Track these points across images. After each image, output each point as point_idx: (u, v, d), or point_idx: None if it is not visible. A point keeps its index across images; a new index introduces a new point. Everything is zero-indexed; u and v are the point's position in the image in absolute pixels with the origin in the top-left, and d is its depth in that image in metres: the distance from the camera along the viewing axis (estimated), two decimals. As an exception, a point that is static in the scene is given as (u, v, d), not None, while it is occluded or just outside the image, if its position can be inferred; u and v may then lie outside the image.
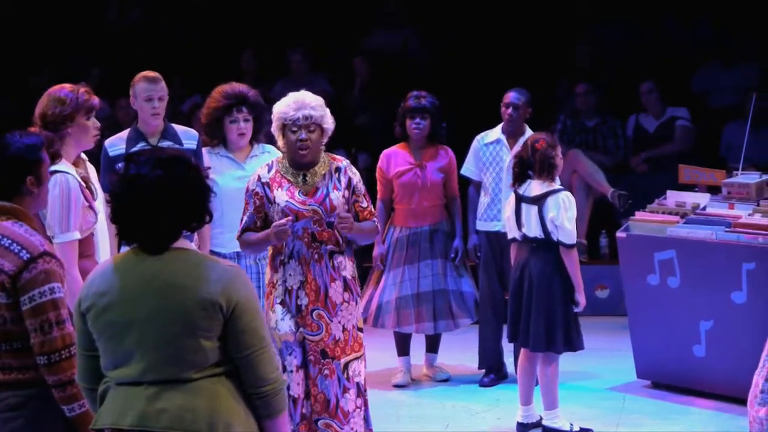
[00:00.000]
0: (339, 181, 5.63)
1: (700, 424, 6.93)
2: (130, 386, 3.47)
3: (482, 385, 7.76)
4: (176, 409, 3.42)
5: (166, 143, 6.26)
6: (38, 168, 4.09)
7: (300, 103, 5.57)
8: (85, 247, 5.23)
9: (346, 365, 5.61)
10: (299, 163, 5.60)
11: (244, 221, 5.66)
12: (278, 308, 5.59)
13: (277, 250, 5.61)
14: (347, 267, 5.64)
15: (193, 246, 3.62)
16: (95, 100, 5.50)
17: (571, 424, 6.68)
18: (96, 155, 6.33)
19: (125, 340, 3.47)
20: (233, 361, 3.50)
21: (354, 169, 5.71)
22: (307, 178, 5.60)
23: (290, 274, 5.57)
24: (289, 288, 5.57)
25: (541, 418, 6.72)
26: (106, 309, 3.49)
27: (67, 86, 5.48)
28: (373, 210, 5.75)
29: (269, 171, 5.66)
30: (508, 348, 7.66)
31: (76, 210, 5.12)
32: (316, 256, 5.56)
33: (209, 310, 3.44)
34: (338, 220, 5.49)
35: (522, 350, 6.73)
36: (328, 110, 5.65)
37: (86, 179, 5.51)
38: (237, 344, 3.48)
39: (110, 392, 3.52)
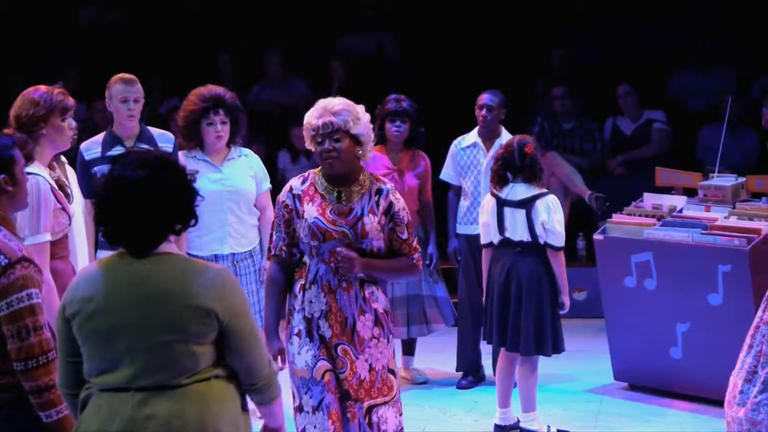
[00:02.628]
0: (377, 204, 4.94)
1: (677, 425, 6.95)
2: (116, 392, 3.45)
3: (460, 387, 7.76)
4: (165, 415, 3.41)
5: (142, 147, 6.24)
6: (11, 166, 4.06)
7: (321, 110, 4.95)
8: (59, 248, 5.22)
9: (369, 410, 4.92)
10: (331, 177, 4.96)
11: (273, 239, 5.04)
12: (295, 340, 4.95)
13: (298, 274, 5.00)
14: (379, 299, 4.98)
15: (178, 250, 3.61)
16: (70, 101, 5.48)
17: (549, 427, 6.70)
18: (73, 158, 6.31)
19: (113, 346, 3.45)
20: (226, 362, 3.52)
21: (398, 195, 5.03)
22: (342, 195, 4.95)
23: (310, 302, 4.92)
24: (308, 317, 4.92)
25: (519, 421, 6.73)
26: (93, 315, 3.47)
27: (42, 87, 5.48)
28: (415, 244, 5.02)
29: (303, 183, 5.02)
30: (485, 350, 7.66)
31: (47, 212, 5.10)
32: (344, 284, 4.90)
33: (203, 317, 3.44)
34: (340, 260, 4.84)
35: (502, 353, 6.73)
36: (362, 114, 4.98)
37: (61, 182, 5.49)
38: (231, 346, 3.51)
39: (93, 399, 3.49)
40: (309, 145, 4.99)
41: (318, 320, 4.90)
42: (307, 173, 5.08)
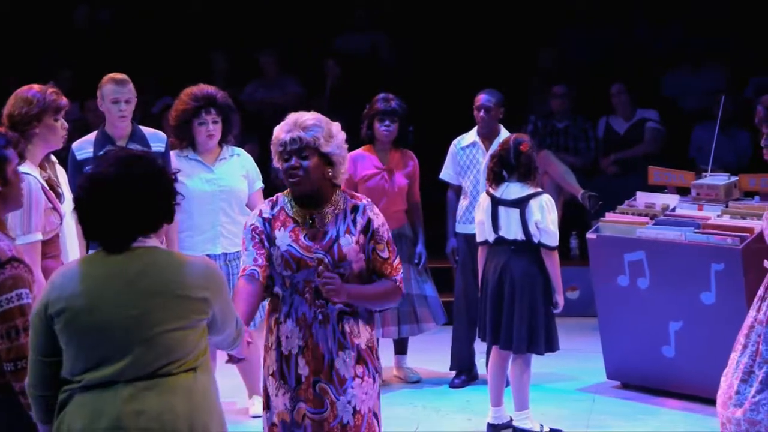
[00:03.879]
0: (354, 222, 4.52)
1: (669, 424, 6.96)
2: (102, 389, 3.46)
3: (453, 386, 7.77)
4: (155, 410, 3.44)
5: (133, 146, 6.25)
6: (3, 166, 4.06)
7: (291, 123, 4.51)
8: (50, 248, 5.22)
9: None
10: (300, 198, 4.55)
11: (243, 260, 4.56)
12: (271, 380, 4.56)
13: (273, 307, 4.58)
14: (361, 334, 4.53)
15: (160, 244, 3.64)
16: (63, 100, 5.51)
17: (541, 425, 6.70)
18: (65, 158, 6.31)
19: (104, 341, 3.46)
20: (210, 338, 3.65)
21: (377, 210, 4.60)
22: (315, 219, 4.53)
23: (286, 337, 4.49)
24: (286, 354, 4.51)
25: (512, 419, 6.73)
26: (81, 311, 3.48)
27: (36, 87, 5.51)
28: (396, 264, 4.58)
29: (273, 207, 4.59)
30: (479, 350, 7.66)
31: (38, 211, 5.11)
32: (320, 317, 4.48)
33: (199, 305, 3.53)
34: (322, 282, 4.41)
35: (494, 351, 6.73)
36: (336, 132, 4.54)
37: (52, 181, 5.50)
38: (215, 324, 3.64)
39: (76, 398, 3.49)
40: (276, 162, 4.59)
41: (296, 357, 4.50)
42: (275, 197, 4.66)
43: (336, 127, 4.56)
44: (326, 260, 4.45)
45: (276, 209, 4.59)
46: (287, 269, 4.49)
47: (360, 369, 4.51)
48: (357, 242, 4.50)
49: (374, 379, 4.57)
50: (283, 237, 4.50)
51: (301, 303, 4.48)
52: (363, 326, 4.55)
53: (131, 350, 3.45)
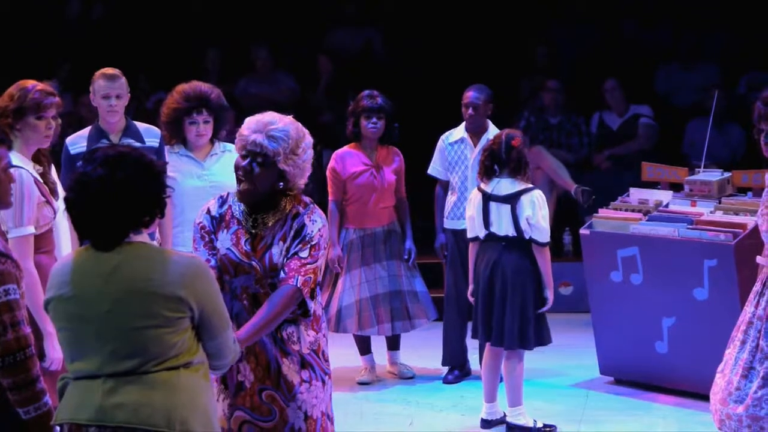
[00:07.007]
0: (291, 229, 4.32)
1: (662, 419, 6.97)
2: (88, 380, 3.50)
3: (446, 382, 7.77)
4: (133, 403, 3.46)
5: (127, 141, 6.24)
6: None
7: (262, 124, 4.30)
8: (44, 242, 5.20)
9: None
10: (246, 201, 4.40)
11: None
12: (214, 384, 4.39)
13: None
14: (302, 339, 4.38)
15: (152, 241, 3.65)
16: (48, 99, 5.37)
17: (535, 421, 6.71)
18: (58, 152, 6.30)
19: (84, 333, 3.51)
20: (197, 351, 3.58)
21: (317, 216, 4.37)
22: (258, 222, 4.37)
23: None
24: None
25: (505, 415, 6.74)
26: (65, 301, 3.54)
27: (29, 83, 5.43)
28: (309, 269, 4.30)
29: (221, 205, 4.44)
30: (471, 345, 7.67)
31: (30, 204, 5.09)
32: None
33: (174, 304, 3.50)
34: None
35: (487, 347, 6.73)
36: (303, 150, 4.33)
37: (46, 175, 5.47)
38: (203, 329, 3.60)
39: (69, 387, 3.56)
40: (236, 150, 4.40)
41: (239, 364, 4.33)
42: (226, 194, 4.50)
43: (306, 143, 4.35)
44: (259, 268, 4.31)
45: (224, 207, 4.44)
46: (225, 273, 4.34)
47: (306, 374, 4.37)
48: (287, 249, 4.30)
49: (323, 381, 4.42)
50: (224, 239, 4.36)
51: (240, 309, 4.33)
52: (304, 331, 4.38)
53: (106, 345, 3.48)
